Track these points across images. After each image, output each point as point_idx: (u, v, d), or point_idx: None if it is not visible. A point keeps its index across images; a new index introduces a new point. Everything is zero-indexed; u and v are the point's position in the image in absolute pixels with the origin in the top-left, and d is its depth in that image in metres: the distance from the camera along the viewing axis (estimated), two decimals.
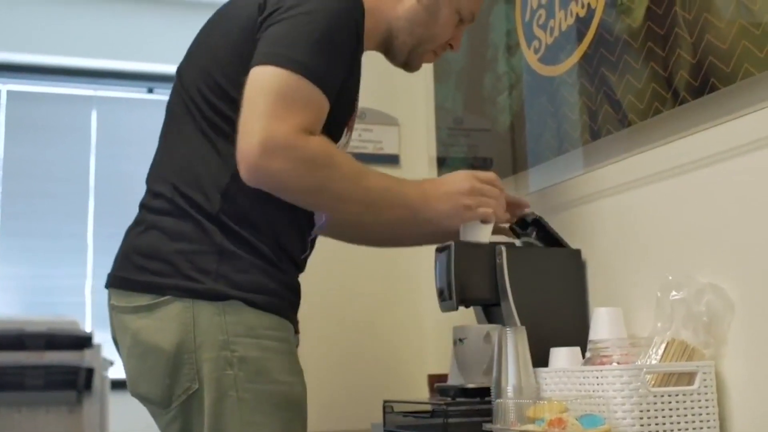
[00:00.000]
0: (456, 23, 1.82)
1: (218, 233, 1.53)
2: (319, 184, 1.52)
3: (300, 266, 1.69)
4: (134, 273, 1.56)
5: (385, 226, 1.81)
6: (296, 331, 1.66)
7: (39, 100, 4.93)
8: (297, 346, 1.68)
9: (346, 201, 1.57)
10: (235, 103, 1.53)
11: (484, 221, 1.77)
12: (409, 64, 1.84)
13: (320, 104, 1.51)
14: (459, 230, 1.80)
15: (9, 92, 4.89)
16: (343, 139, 1.71)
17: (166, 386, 1.51)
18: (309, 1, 1.54)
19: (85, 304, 4.68)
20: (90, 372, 3.46)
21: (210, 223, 1.53)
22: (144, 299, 1.53)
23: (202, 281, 1.51)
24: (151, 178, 1.67)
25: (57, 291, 4.69)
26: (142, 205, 1.65)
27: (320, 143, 1.50)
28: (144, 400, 1.59)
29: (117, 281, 1.60)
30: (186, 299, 1.50)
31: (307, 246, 1.70)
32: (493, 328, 1.83)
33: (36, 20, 4.75)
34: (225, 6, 1.73)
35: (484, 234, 1.81)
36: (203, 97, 1.59)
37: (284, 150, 1.44)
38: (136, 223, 1.64)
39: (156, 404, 1.55)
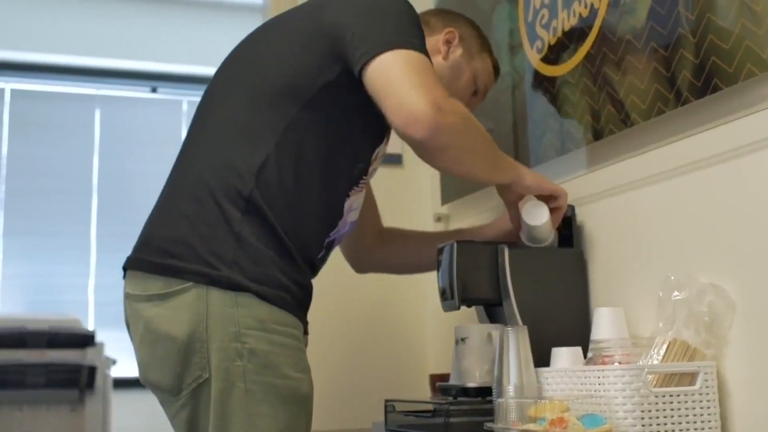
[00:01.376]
0: (471, 92, 2.00)
1: (241, 220, 1.54)
2: (473, 140, 1.65)
3: (315, 267, 1.70)
4: (153, 255, 1.59)
5: (483, 183, 2.03)
6: (305, 332, 1.67)
7: (42, 99, 4.94)
8: (306, 346, 1.69)
9: (483, 157, 1.71)
10: (281, 112, 1.60)
11: (554, 200, 1.87)
12: None
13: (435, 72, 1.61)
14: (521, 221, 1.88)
15: (13, 91, 4.90)
16: (382, 147, 1.81)
17: (177, 374, 1.54)
18: (379, 1, 1.64)
19: (88, 302, 4.69)
20: (92, 370, 3.47)
21: (236, 208, 1.55)
22: (159, 285, 1.55)
23: (218, 268, 1.53)
24: (180, 160, 1.70)
25: (60, 289, 4.70)
26: (167, 192, 1.68)
27: (462, 106, 1.63)
28: (154, 387, 1.61)
29: (135, 263, 1.63)
30: (200, 287, 1.52)
31: (323, 247, 1.70)
32: (495, 328, 1.83)
33: (40, 19, 4.76)
34: (281, 16, 1.78)
35: (544, 215, 1.87)
36: (248, 97, 1.64)
37: (452, 107, 1.55)
38: (160, 205, 1.67)
39: (166, 392, 1.58)
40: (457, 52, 1.99)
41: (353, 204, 1.74)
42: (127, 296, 1.63)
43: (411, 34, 1.59)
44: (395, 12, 1.62)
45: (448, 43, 1.98)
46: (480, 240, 2.02)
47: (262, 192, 1.56)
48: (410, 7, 1.66)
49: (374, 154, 1.77)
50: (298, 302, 1.61)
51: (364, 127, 1.68)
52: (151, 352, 1.58)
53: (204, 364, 1.52)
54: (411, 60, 1.54)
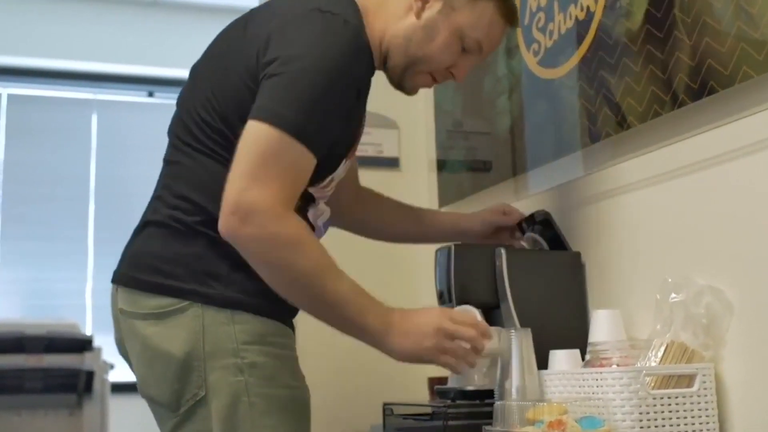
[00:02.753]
0: (458, 50, 1.73)
1: (225, 242, 1.53)
2: (280, 264, 1.49)
3: None
4: (147, 274, 1.59)
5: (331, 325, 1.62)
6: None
7: (40, 104, 4.94)
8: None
9: (302, 293, 1.53)
10: (237, 132, 1.54)
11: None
12: (402, 85, 1.78)
13: (305, 166, 1.52)
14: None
15: (10, 96, 4.90)
16: (339, 170, 1.72)
17: (175, 391, 1.55)
18: (308, 56, 1.53)
19: (86, 307, 4.68)
20: (90, 375, 3.47)
21: (216, 232, 1.53)
22: (154, 304, 1.56)
23: (213, 286, 1.55)
24: (162, 183, 1.69)
25: (57, 294, 4.69)
26: (153, 209, 1.66)
27: (294, 225, 1.49)
28: (152, 401, 1.62)
29: (128, 280, 1.62)
30: (197, 306, 1.54)
31: None
32: (494, 331, 1.83)
33: (37, 24, 4.76)
34: (231, 28, 1.74)
35: (470, 378, 1.81)
36: (213, 119, 1.61)
37: (256, 217, 1.44)
38: (147, 224, 1.66)
39: (164, 407, 1.58)
40: (435, 7, 1.69)
41: (317, 213, 1.72)
42: (122, 312, 1.63)
43: (305, 113, 1.49)
44: (316, 87, 1.51)
45: None
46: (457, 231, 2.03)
47: None
48: (341, 84, 1.55)
49: (327, 180, 1.70)
50: (288, 311, 1.63)
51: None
52: (149, 369, 1.59)
53: (201, 382, 1.53)
54: (272, 144, 1.47)
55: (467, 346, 1.60)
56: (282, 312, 1.60)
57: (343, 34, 1.56)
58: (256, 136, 1.49)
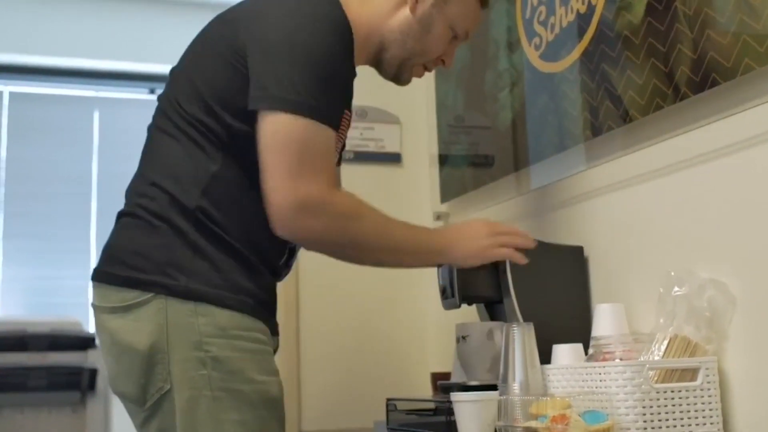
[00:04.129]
0: (449, 39, 1.81)
1: (193, 231, 1.55)
2: (352, 238, 1.60)
3: (278, 272, 1.70)
4: (115, 267, 1.60)
5: (405, 267, 1.89)
6: (274, 333, 1.67)
7: (41, 102, 4.93)
8: (276, 347, 1.69)
9: (376, 251, 1.66)
10: (217, 116, 1.58)
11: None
12: (398, 77, 1.83)
13: (333, 145, 1.57)
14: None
15: (11, 93, 4.89)
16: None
17: (141, 385, 1.54)
18: (300, 32, 1.55)
19: (89, 304, 4.68)
20: (93, 373, 3.47)
21: (185, 221, 1.56)
22: (121, 297, 1.56)
23: (176, 278, 1.54)
24: (136, 174, 1.71)
25: (60, 292, 4.69)
26: (126, 200, 1.68)
27: (348, 198, 1.60)
28: (122, 396, 1.62)
29: (99, 275, 1.64)
30: (160, 298, 1.53)
31: (285, 252, 1.70)
32: (496, 326, 1.83)
33: (37, 22, 4.75)
34: (219, 17, 1.73)
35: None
36: (191, 107, 1.61)
37: (318, 208, 1.52)
38: (120, 216, 1.67)
39: (133, 402, 1.58)
40: (428, 1, 1.75)
41: None
42: (95, 308, 1.64)
43: (319, 91, 1.53)
44: (320, 65, 1.54)
45: None
46: None
47: (210, 205, 1.57)
48: (340, 58, 1.59)
49: None
50: (261, 305, 1.61)
51: None
52: (117, 364, 1.58)
53: (166, 375, 1.52)
54: (304, 135, 1.51)
55: (518, 238, 1.82)
56: (251, 305, 1.58)
57: (331, 11, 1.61)
58: (285, 129, 1.51)
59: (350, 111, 1.73)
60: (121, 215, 1.67)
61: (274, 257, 1.66)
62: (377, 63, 1.81)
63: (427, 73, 2.69)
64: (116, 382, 1.60)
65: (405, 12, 1.75)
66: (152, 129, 1.71)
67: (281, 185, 1.49)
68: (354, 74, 1.68)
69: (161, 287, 1.53)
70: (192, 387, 1.51)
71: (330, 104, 1.56)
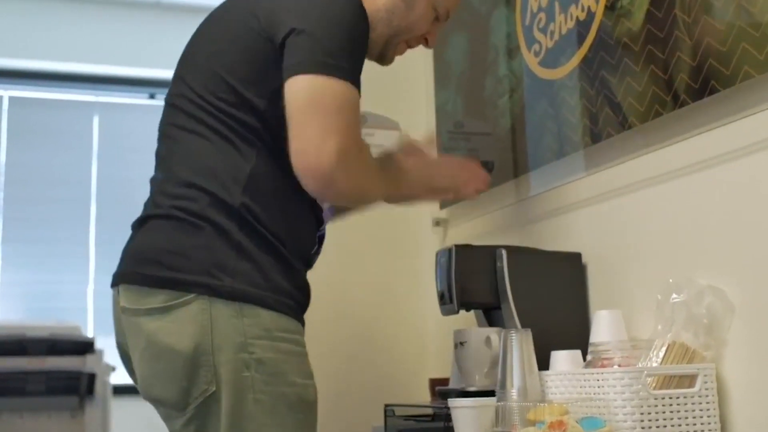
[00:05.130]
0: (432, 19, 1.85)
1: (237, 230, 1.53)
2: (371, 187, 1.66)
3: (310, 263, 1.70)
4: (151, 268, 1.55)
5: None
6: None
7: (41, 106, 4.94)
8: None
9: (377, 197, 1.75)
10: (250, 106, 1.58)
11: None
12: (383, 56, 1.85)
13: (359, 107, 1.59)
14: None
15: (11, 98, 4.90)
16: None
17: (183, 389, 1.50)
18: (329, 7, 1.58)
19: (87, 309, 4.68)
20: (92, 377, 3.46)
21: (229, 220, 1.53)
22: (159, 299, 1.52)
23: (221, 278, 1.51)
24: (161, 176, 1.66)
25: (59, 296, 4.69)
26: (154, 203, 1.63)
27: (367, 150, 1.65)
28: (158, 402, 1.57)
29: (130, 277, 1.58)
30: (204, 299, 1.49)
31: (316, 242, 1.71)
32: (494, 332, 1.83)
33: (38, 26, 4.76)
34: (219, 11, 1.73)
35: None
36: (218, 100, 1.60)
37: (353, 161, 1.52)
38: (148, 218, 1.62)
39: (171, 407, 1.54)
40: None
41: None
42: (124, 310, 1.58)
43: (345, 54, 1.55)
44: (339, 23, 1.57)
45: None
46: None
47: (252, 202, 1.55)
48: (358, 18, 1.62)
49: None
50: (299, 306, 1.61)
51: None
52: (154, 367, 1.54)
53: (211, 378, 1.49)
54: (332, 94, 1.52)
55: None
56: (292, 307, 1.57)
57: None
58: (318, 90, 1.51)
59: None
60: (149, 217, 1.62)
61: (308, 247, 1.66)
62: None
63: (426, 78, 2.69)
64: (152, 388, 1.56)
65: None
66: (172, 129, 1.67)
67: (317, 143, 1.48)
68: (366, 52, 1.71)
69: (205, 288, 1.50)
70: (237, 389, 1.48)
71: (356, 69, 1.58)
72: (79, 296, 4.67)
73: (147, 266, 1.56)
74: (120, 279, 1.61)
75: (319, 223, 1.71)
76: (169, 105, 1.71)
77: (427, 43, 1.90)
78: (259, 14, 1.60)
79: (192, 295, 1.50)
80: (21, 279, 4.71)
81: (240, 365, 1.49)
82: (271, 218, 1.56)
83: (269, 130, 1.58)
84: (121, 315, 1.60)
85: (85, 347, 3.51)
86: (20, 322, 4.09)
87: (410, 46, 1.88)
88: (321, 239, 1.74)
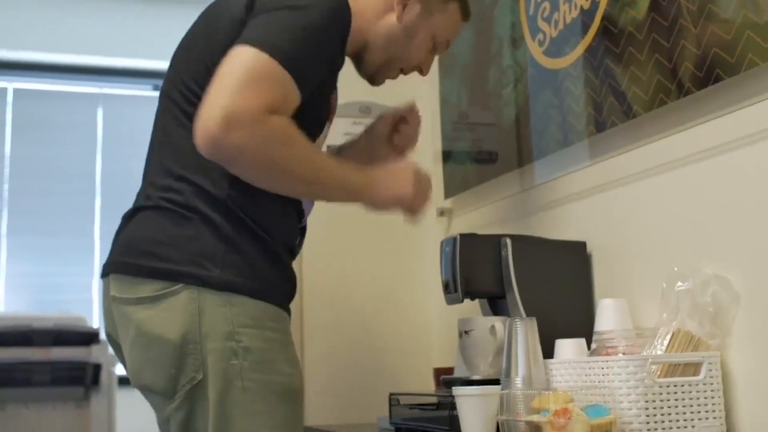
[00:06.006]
0: (430, 49, 1.86)
1: (225, 221, 1.54)
2: (274, 161, 1.51)
3: (294, 253, 1.71)
4: (141, 258, 1.57)
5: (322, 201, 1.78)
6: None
7: (45, 98, 4.93)
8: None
9: (296, 181, 1.57)
10: None
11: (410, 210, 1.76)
12: (374, 78, 1.85)
13: (290, 91, 1.51)
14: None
15: (15, 90, 4.90)
16: (323, 132, 1.75)
17: (171, 376, 1.52)
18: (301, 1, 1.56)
19: (92, 300, 4.69)
20: (97, 368, 3.47)
21: (216, 212, 1.55)
22: (148, 288, 1.54)
23: (209, 269, 1.52)
24: (152, 168, 1.68)
25: (64, 288, 4.70)
26: (145, 195, 1.65)
27: (281, 122, 1.49)
28: (147, 390, 1.60)
29: (121, 267, 1.60)
30: (192, 289, 1.52)
31: (298, 233, 1.72)
32: (499, 320, 1.84)
33: (41, 18, 4.76)
34: (216, 3, 1.73)
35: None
36: (203, 90, 1.57)
37: (243, 123, 1.43)
38: (138, 209, 1.64)
39: (160, 394, 1.56)
40: (414, 10, 1.79)
41: None
42: (114, 299, 1.60)
43: (292, 43, 1.51)
44: (307, 22, 1.54)
45: (404, 0, 1.79)
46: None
47: (239, 194, 1.56)
48: (331, 24, 1.59)
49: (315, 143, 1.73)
50: (286, 296, 1.63)
51: (305, 121, 1.59)
52: (144, 355, 1.56)
53: (198, 365, 1.51)
54: (257, 65, 1.47)
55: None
56: (279, 296, 1.59)
57: None
58: (241, 57, 1.48)
59: (336, 98, 1.77)
60: (140, 209, 1.64)
61: (292, 240, 1.67)
62: (357, 59, 1.83)
63: (431, 70, 2.68)
64: (141, 375, 1.58)
65: (392, 18, 1.79)
66: (164, 121, 1.68)
67: (214, 99, 1.45)
68: (341, 61, 1.68)
69: (194, 278, 1.52)
70: (224, 377, 1.50)
71: (303, 59, 1.52)
72: (84, 287, 4.67)
73: (137, 256, 1.58)
74: (110, 269, 1.63)
75: (300, 215, 1.72)
76: (163, 97, 1.72)
77: (421, 72, 1.90)
78: (243, 7, 1.60)
79: (181, 285, 1.52)
80: (26, 270, 4.72)
81: (228, 353, 1.51)
82: (258, 210, 1.57)
83: None
84: (111, 304, 1.62)
85: (91, 338, 3.52)
86: (26, 313, 4.10)
87: (404, 73, 1.89)
88: (303, 231, 1.75)
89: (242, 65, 1.47)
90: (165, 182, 1.60)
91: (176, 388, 1.52)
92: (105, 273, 1.65)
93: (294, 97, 1.52)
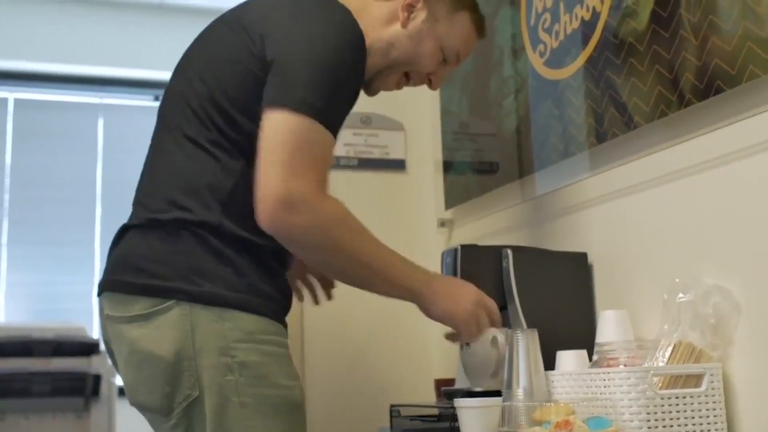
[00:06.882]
0: (440, 59, 1.83)
1: (214, 237, 1.54)
2: (333, 244, 1.55)
3: (288, 266, 1.69)
4: (132, 275, 1.56)
5: (378, 294, 1.72)
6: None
7: (46, 108, 4.94)
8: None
9: (356, 265, 1.59)
10: (236, 124, 1.57)
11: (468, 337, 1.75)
12: (368, 85, 1.82)
13: (331, 151, 1.56)
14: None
15: (16, 100, 4.91)
16: None
17: (166, 394, 1.51)
18: (324, 38, 1.56)
19: (93, 310, 4.68)
20: (97, 378, 3.46)
21: (206, 229, 1.54)
22: (140, 306, 1.53)
23: (200, 284, 1.52)
24: (144, 188, 1.68)
25: (64, 298, 4.70)
26: (136, 214, 1.65)
27: (336, 205, 1.54)
28: (143, 408, 1.59)
29: (113, 285, 1.60)
30: (184, 305, 1.51)
31: None
32: (500, 332, 1.83)
33: (42, 28, 4.77)
34: (216, 25, 1.73)
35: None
36: (205, 113, 1.60)
37: (303, 206, 1.48)
38: (128, 228, 1.64)
39: (156, 412, 1.55)
40: (420, 17, 1.78)
41: None
42: (108, 318, 1.60)
43: (325, 93, 1.53)
44: (325, 58, 1.54)
45: (409, 7, 1.78)
46: None
47: (232, 217, 1.55)
48: (351, 52, 1.59)
49: None
50: (281, 308, 1.61)
51: None
52: (138, 374, 1.55)
53: (193, 382, 1.50)
54: (302, 133, 1.49)
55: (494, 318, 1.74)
56: (273, 308, 1.57)
57: (348, 18, 1.61)
58: (286, 126, 1.50)
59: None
60: (129, 228, 1.64)
61: (283, 249, 1.64)
62: None
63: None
64: (136, 394, 1.57)
65: (397, 26, 1.78)
66: (159, 140, 1.69)
67: (272, 177, 1.47)
68: (360, 89, 1.68)
69: (184, 294, 1.51)
70: (220, 393, 1.49)
71: (334, 110, 1.55)
72: (85, 297, 4.67)
73: (128, 273, 1.57)
74: (103, 287, 1.63)
75: None
76: (160, 116, 1.72)
77: (430, 84, 1.88)
78: (254, 37, 1.59)
79: (172, 301, 1.52)
80: (26, 280, 4.72)
81: (222, 369, 1.50)
82: (249, 223, 1.55)
83: (254, 146, 1.56)
84: (106, 323, 1.62)
85: (91, 348, 3.52)
86: (25, 323, 4.10)
87: (411, 82, 1.87)
88: None
89: (288, 136, 1.49)
90: (156, 205, 1.60)
91: (172, 406, 1.52)
92: (99, 292, 1.65)
93: (333, 148, 1.56)
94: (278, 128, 1.50)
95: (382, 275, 1.62)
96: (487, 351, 1.86)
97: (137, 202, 1.66)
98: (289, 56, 1.55)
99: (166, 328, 1.51)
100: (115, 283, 1.59)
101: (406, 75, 1.85)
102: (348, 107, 1.62)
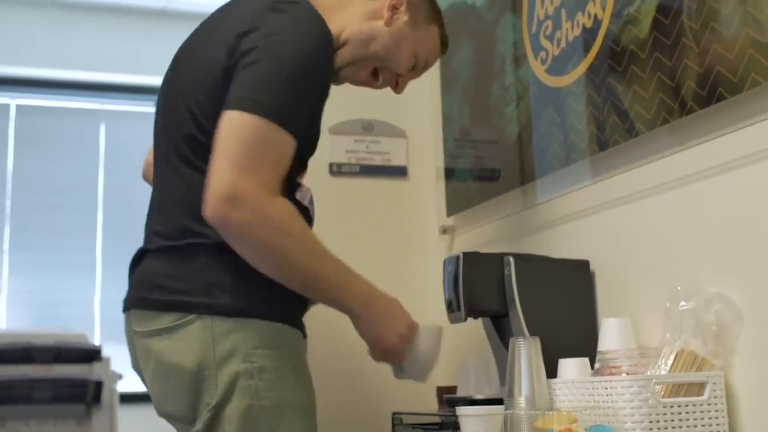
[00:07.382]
0: (412, 64, 1.88)
1: (231, 252, 1.55)
2: (272, 245, 1.52)
3: None
4: (155, 293, 1.61)
5: (315, 300, 1.72)
6: (304, 335, 1.70)
7: (47, 114, 4.95)
8: (305, 349, 1.72)
9: (288, 269, 1.56)
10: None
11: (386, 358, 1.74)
12: (337, 75, 1.83)
13: (288, 152, 1.55)
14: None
15: (18, 106, 4.92)
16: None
17: (190, 403, 1.55)
18: (284, 43, 1.57)
19: (94, 317, 4.69)
20: (99, 385, 3.46)
21: (222, 246, 1.55)
22: (164, 321, 1.58)
23: (220, 297, 1.56)
24: (155, 218, 1.70)
25: (65, 304, 4.70)
26: (151, 242, 1.67)
27: (283, 208, 1.52)
28: (171, 418, 1.63)
29: (138, 302, 1.64)
30: (205, 318, 1.55)
31: None
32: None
33: (44, 35, 4.77)
34: (200, 36, 1.75)
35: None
36: (193, 138, 1.62)
37: (246, 204, 1.47)
38: (146, 252, 1.68)
39: (182, 422, 1.59)
40: (402, 19, 1.83)
41: (303, 193, 1.76)
42: (135, 333, 1.65)
43: (280, 93, 1.53)
44: (293, 71, 1.55)
45: (394, 8, 1.83)
46: None
47: None
48: (316, 68, 1.59)
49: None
50: (297, 313, 1.66)
51: (301, 145, 1.61)
52: (164, 385, 1.60)
53: (214, 390, 1.54)
54: (255, 132, 1.50)
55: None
56: (290, 315, 1.62)
57: (314, 21, 1.62)
58: (239, 124, 1.50)
59: (319, 128, 1.74)
60: (147, 252, 1.67)
61: None
62: None
63: (433, 86, 2.67)
64: (163, 404, 1.62)
65: (380, 23, 1.82)
66: (161, 169, 1.71)
67: (221, 173, 1.48)
68: (327, 93, 1.69)
69: (205, 307, 1.55)
70: (242, 398, 1.53)
71: (291, 110, 1.55)
72: (86, 304, 4.68)
73: (152, 291, 1.62)
74: (129, 304, 1.68)
75: None
76: (156, 144, 1.75)
77: (396, 86, 1.92)
78: (227, 49, 1.60)
79: (194, 315, 1.56)
80: (28, 287, 4.72)
81: (244, 375, 1.54)
82: None
83: None
84: (133, 338, 1.68)
85: (92, 355, 3.52)
86: (26, 330, 4.09)
87: (380, 84, 1.89)
88: None
89: (240, 134, 1.50)
90: (168, 232, 1.64)
91: (196, 414, 1.56)
92: (125, 308, 1.69)
93: (292, 148, 1.56)
94: (231, 126, 1.51)
95: (316, 285, 1.60)
96: (488, 359, 1.86)
97: (152, 233, 1.69)
98: (248, 58, 1.56)
99: (189, 339, 1.55)
100: (140, 300, 1.64)
101: (374, 74, 1.88)
102: (310, 107, 1.61)
